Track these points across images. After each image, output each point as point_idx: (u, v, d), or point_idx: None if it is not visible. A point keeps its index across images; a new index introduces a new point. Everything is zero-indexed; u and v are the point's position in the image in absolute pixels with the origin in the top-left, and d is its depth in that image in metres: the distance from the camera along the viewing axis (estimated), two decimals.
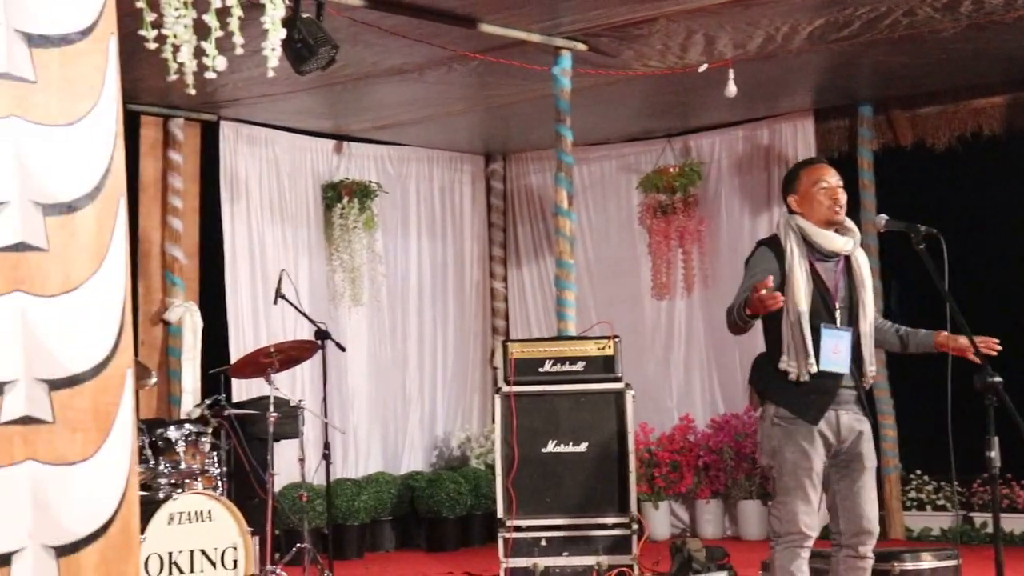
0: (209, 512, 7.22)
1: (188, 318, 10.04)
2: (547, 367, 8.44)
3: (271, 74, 4.40)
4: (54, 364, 3.58)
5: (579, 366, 8.40)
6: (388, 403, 11.48)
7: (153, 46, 4.25)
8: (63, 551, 3.51)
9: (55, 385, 3.55)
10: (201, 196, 10.54)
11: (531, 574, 8.09)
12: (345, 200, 11.02)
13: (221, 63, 4.11)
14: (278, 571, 7.73)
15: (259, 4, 4.32)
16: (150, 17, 4.19)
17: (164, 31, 4.20)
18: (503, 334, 12.16)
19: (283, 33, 4.28)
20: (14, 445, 3.48)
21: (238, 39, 4.09)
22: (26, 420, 3.51)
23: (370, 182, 11.28)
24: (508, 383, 8.37)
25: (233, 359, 9.74)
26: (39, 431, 3.52)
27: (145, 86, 9.32)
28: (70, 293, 3.64)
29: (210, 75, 4.12)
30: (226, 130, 10.56)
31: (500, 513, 8.21)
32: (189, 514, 7.13)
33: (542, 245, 12.28)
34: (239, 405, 8.62)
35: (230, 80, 9.32)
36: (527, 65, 9.08)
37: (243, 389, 9.95)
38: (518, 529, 8.14)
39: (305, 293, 10.59)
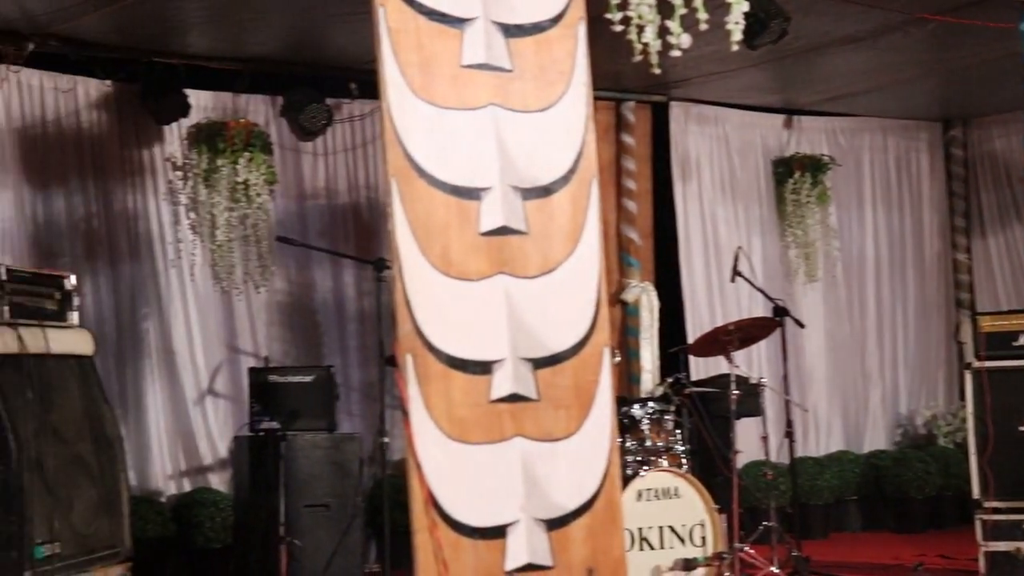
0: (676, 489, 7.28)
1: (645, 298, 10.18)
2: (1021, 341, 7.96)
3: (735, 48, 4.36)
4: (537, 343, 3.70)
5: None
6: (847, 380, 11.22)
7: (619, 28, 4.29)
8: (553, 524, 3.63)
9: (538, 364, 3.67)
10: (653, 177, 10.64)
11: (1014, 559, 7.66)
12: (797, 175, 10.82)
13: (686, 40, 4.11)
14: (746, 548, 7.69)
15: None
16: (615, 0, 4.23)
17: (628, 12, 4.24)
18: (968, 307, 11.59)
19: (746, 6, 4.23)
20: (503, 422, 3.62)
21: (702, 15, 4.07)
22: (514, 398, 3.65)
23: (822, 155, 11.02)
24: (979, 358, 7.95)
25: (689, 338, 9.79)
26: (525, 408, 3.65)
27: (598, 71, 9.45)
28: (549, 274, 3.76)
29: (675, 53, 4.13)
30: (676, 110, 10.60)
31: (976, 494, 7.82)
32: (657, 491, 7.22)
33: (1009, 213, 11.60)
34: (698, 383, 8.63)
35: (681, 60, 9.29)
36: (990, 24, 8.57)
37: (699, 367, 9.96)
38: (997, 511, 7.72)
39: (759, 270, 10.44)
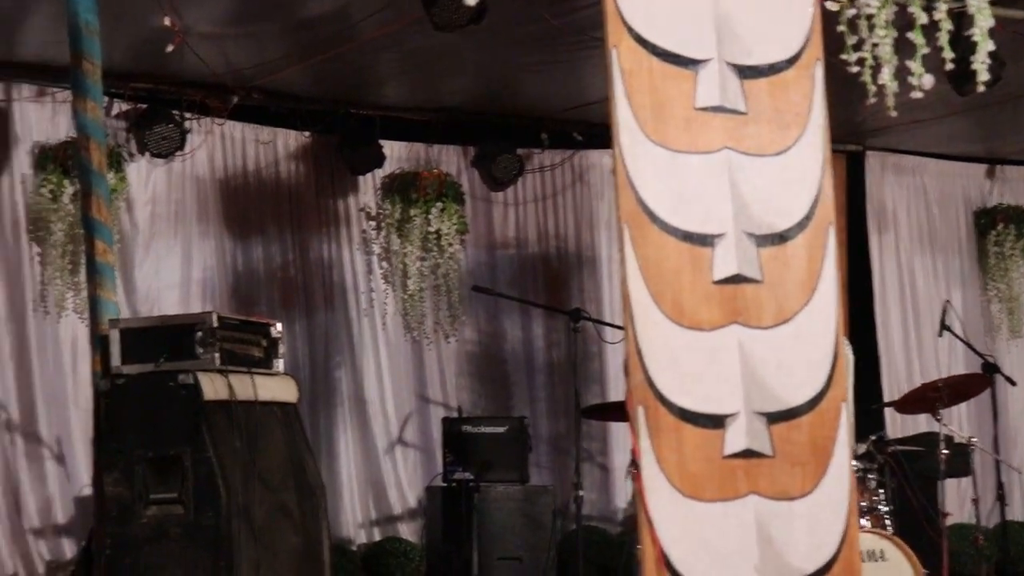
0: (882, 552, 6.97)
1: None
2: None
3: (981, 89, 4.17)
4: (771, 397, 3.55)
5: None
6: None
7: (855, 69, 4.14)
8: None
9: (773, 418, 3.52)
10: (848, 228, 10.37)
11: None
12: (1000, 226, 10.46)
13: (928, 81, 3.94)
14: None
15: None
16: (851, 40, 4.09)
17: (862, 52, 4.09)
18: None
19: (991, 45, 4.04)
20: (737, 479, 3.48)
21: (948, 54, 3.90)
22: (748, 454, 3.50)
23: None
24: None
25: (885, 394, 9.48)
26: (760, 465, 3.50)
27: None
28: (784, 324, 3.62)
29: (916, 95, 3.96)
30: (872, 160, 10.36)
31: None
32: (863, 553, 6.92)
33: None
34: (902, 441, 8.32)
35: (878, 107, 9.08)
36: None
37: (896, 425, 9.64)
38: None
39: (958, 325, 10.11)
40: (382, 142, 8.95)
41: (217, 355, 5.38)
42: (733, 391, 3.52)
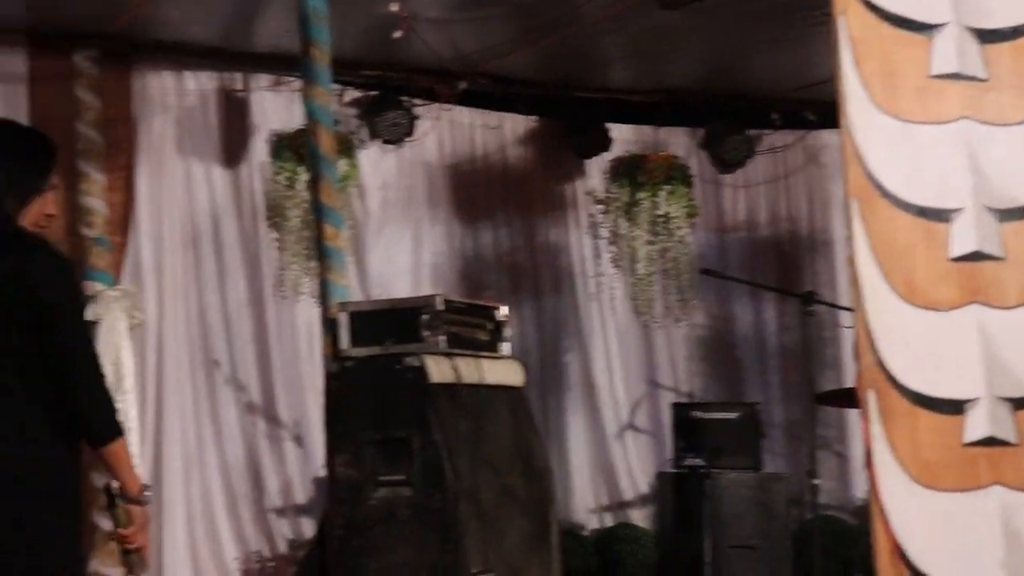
0: None
1: None
2: None
3: None
4: (1016, 382, 3.33)
5: None
6: None
7: None
8: None
9: (1019, 404, 3.30)
10: None
11: None
12: None
13: None
14: None
15: None
16: None
17: None
18: None
19: None
20: (979, 468, 3.27)
21: None
22: (990, 441, 3.29)
23: None
24: None
25: None
26: (1004, 454, 3.29)
27: None
28: None
29: None
30: None
31: None
32: None
33: None
34: None
35: None
36: None
37: None
38: None
39: None
40: (609, 125, 8.87)
41: (443, 338, 5.39)
42: (973, 375, 3.31)
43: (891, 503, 3.22)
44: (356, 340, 5.49)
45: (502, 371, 5.74)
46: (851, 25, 3.42)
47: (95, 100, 7.66)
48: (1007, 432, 3.27)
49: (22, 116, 7.46)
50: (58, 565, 3.30)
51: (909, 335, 3.29)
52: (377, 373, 5.35)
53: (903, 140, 3.37)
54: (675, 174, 8.79)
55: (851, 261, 3.36)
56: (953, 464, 3.22)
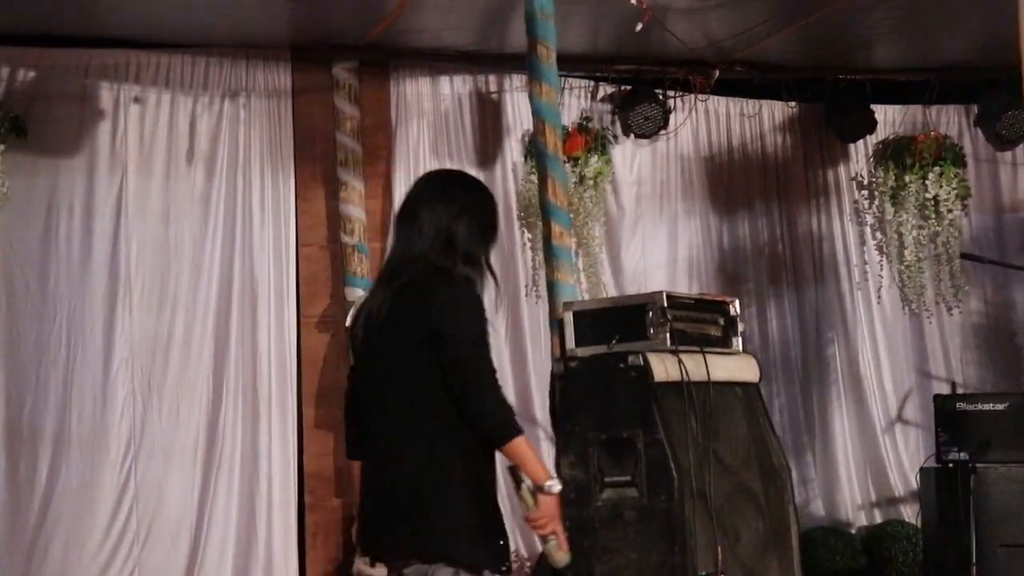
0: None
1: None
2: None
3: None
4: None
5: None
6: None
7: None
8: None
9: None
10: None
11: None
12: None
13: None
14: None
15: None
16: None
17: None
18: None
19: None
20: None
21: None
22: None
23: None
24: None
25: None
26: None
27: None
28: None
29: None
30: None
31: None
32: None
33: None
34: None
35: None
36: None
37: None
38: None
39: None
40: (874, 107, 8.53)
41: (668, 335, 5.27)
42: None
43: None
44: (581, 340, 5.44)
45: (734, 367, 5.57)
46: None
47: (354, 110, 7.90)
48: None
49: (287, 128, 7.79)
50: (484, 557, 3.69)
51: None
52: (601, 372, 5.27)
53: None
54: (946, 154, 8.41)
55: None
56: None
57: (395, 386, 3.75)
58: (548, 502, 3.69)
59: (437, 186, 3.94)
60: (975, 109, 8.70)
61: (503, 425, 3.67)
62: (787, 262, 8.55)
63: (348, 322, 7.53)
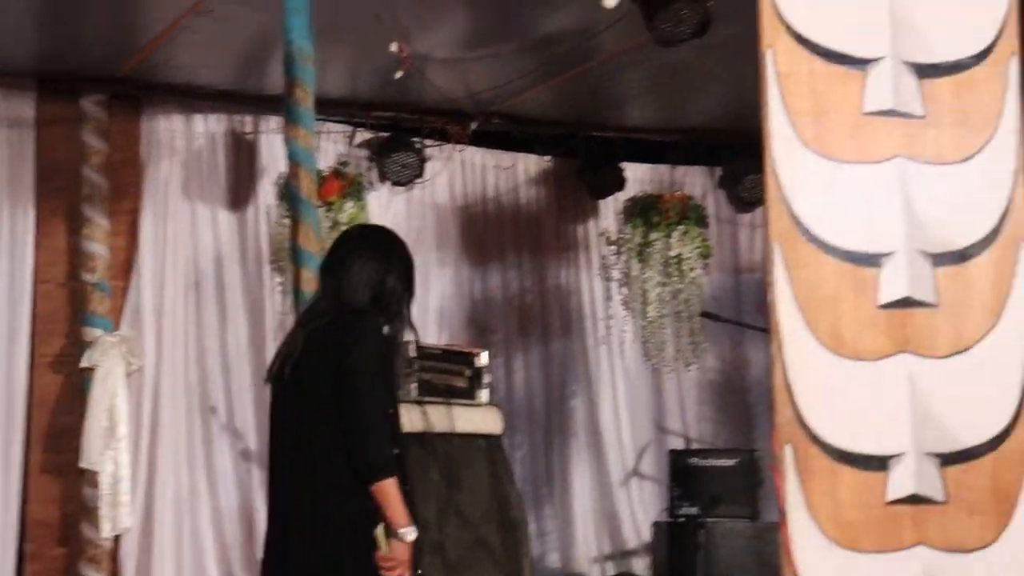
0: None
1: None
2: None
3: None
4: (945, 436, 3.13)
5: None
6: None
7: None
8: None
9: (947, 460, 3.10)
10: None
11: None
12: None
13: None
14: None
15: None
16: None
17: None
18: None
19: None
20: (902, 527, 3.08)
21: None
22: (915, 499, 3.10)
23: None
24: None
25: None
26: (930, 512, 3.09)
27: None
28: (962, 354, 3.19)
29: None
30: None
31: None
32: None
33: None
34: None
35: None
36: None
37: None
38: None
39: None
40: (624, 165, 8.74)
41: (414, 385, 5.26)
42: (900, 429, 3.12)
43: (806, 566, 3.03)
44: None
45: (479, 419, 5.60)
46: (779, 60, 3.26)
47: (102, 144, 7.66)
48: (933, 489, 3.08)
49: (28, 160, 7.50)
50: None
51: (832, 387, 3.11)
52: None
53: (832, 180, 3.20)
54: (690, 214, 8.64)
55: (771, 309, 3.19)
56: (875, 524, 3.03)
57: (303, 420, 3.92)
58: (400, 548, 3.83)
59: (372, 241, 4.21)
60: (719, 171, 8.98)
61: (376, 464, 3.81)
62: (536, 314, 8.65)
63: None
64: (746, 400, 8.92)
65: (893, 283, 3.18)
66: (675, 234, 8.53)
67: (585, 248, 8.83)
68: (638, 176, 8.90)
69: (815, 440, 3.10)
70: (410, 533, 3.83)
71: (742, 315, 8.56)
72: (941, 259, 3.22)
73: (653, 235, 8.56)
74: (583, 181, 8.75)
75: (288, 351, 4.05)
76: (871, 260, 3.14)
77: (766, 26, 3.28)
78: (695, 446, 8.21)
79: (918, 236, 3.21)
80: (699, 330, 8.52)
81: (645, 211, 8.66)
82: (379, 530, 3.79)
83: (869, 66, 3.23)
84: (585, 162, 8.71)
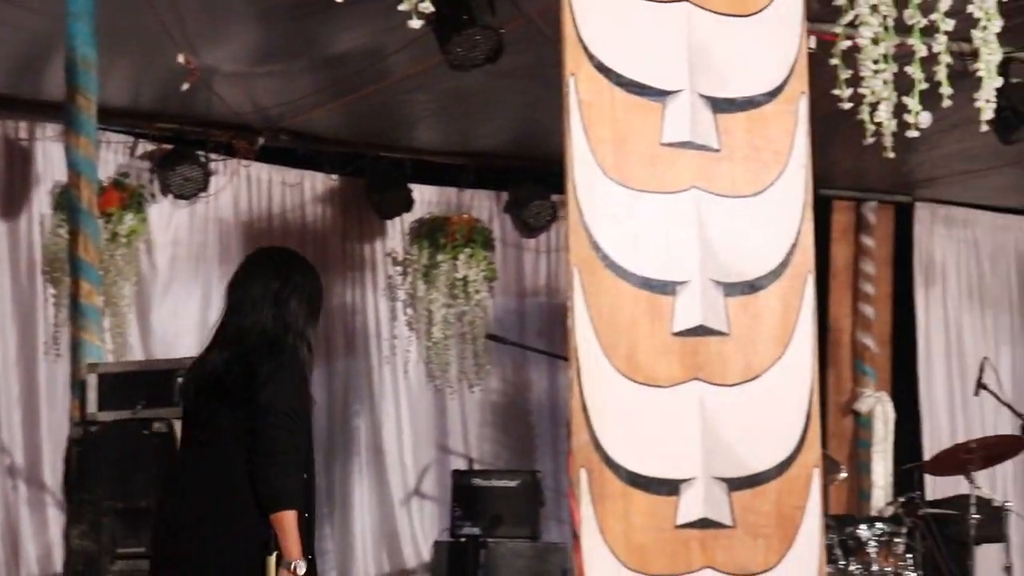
0: None
1: (879, 409, 9.55)
2: None
3: (984, 128, 3.84)
4: (734, 461, 3.23)
5: None
6: None
7: (848, 106, 3.84)
8: None
9: (735, 485, 3.20)
10: (893, 281, 10.00)
11: None
12: None
13: (925, 119, 3.63)
14: None
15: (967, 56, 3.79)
16: (845, 74, 3.78)
17: (860, 89, 3.79)
18: None
19: (999, 82, 3.73)
20: (691, 551, 3.16)
21: (945, 89, 3.58)
22: (704, 523, 3.18)
23: None
24: None
25: (926, 453, 9.11)
26: (718, 536, 3.18)
27: (839, 169, 8.95)
28: (752, 382, 3.30)
29: (912, 133, 3.65)
30: (921, 211, 9.96)
31: None
32: None
33: None
34: (934, 504, 7.91)
35: (928, 158, 8.76)
36: None
37: (936, 486, 9.21)
38: None
39: (1008, 384, 9.65)
40: (412, 186, 8.74)
41: None
42: (691, 454, 3.20)
43: None
44: (105, 403, 5.22)
45: None
46: (581, 88, 3.32)
47: None
48: (721, 514, 3.17)
49: None
50: None
51: (627, 412, 3.17)
52: (123, 438, 5.09)
53: (630, 209, 3.27)
54: (476, 237, 8.71)
55: (570, 334, 3.24)
56: (665, 547, 3.10)
57: (211, 444, 3.91)
58: None
59: (274, 262, 4.20)
60: (506, 196, 9.07)
61: (278, 494, 3.80)
62: (319, 332, 8.56)
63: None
64: (528, 422, 9.01)
65: (687, 311, 3.27)
66: (461, 256, 8.59)
67: (371, 268, 8.79)
68: (426, 198, 8.91)
69: (609, 464, 3.16)
70: (301, 567, 3.80)
71: (526, 338, 8.65)
72: (733, 289, 3.32)
73: (440, 256, 8.61)
74: (371, 201, 8.71)
75: (202, 374, 4.03)
76: (667, 288, 3.21)
77: (569, 53, 3.34)
78: (477, 467, 8.24)
79: (711, 266, 3.31)
80: (483, 352, 8.59)
81: (432, 233, 8.70)
82: (271, 559, 3.78)
83: (668, 98, 3.32)
84: (373, 182, 8.68)
